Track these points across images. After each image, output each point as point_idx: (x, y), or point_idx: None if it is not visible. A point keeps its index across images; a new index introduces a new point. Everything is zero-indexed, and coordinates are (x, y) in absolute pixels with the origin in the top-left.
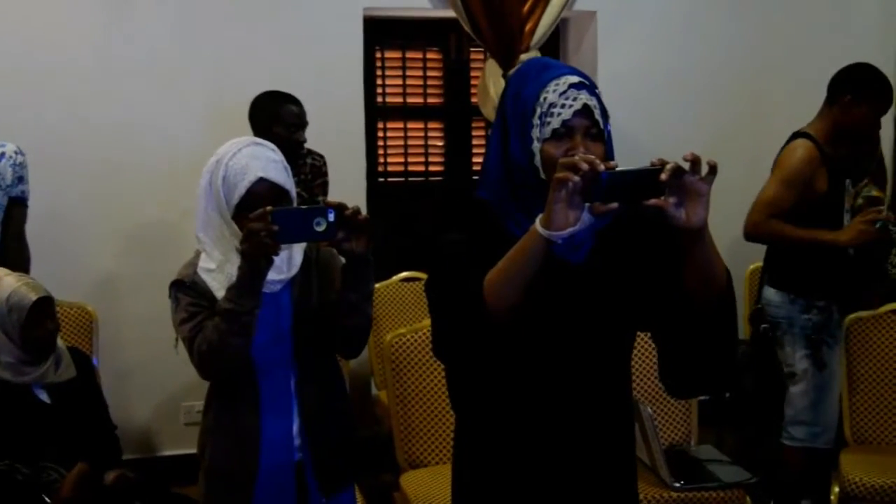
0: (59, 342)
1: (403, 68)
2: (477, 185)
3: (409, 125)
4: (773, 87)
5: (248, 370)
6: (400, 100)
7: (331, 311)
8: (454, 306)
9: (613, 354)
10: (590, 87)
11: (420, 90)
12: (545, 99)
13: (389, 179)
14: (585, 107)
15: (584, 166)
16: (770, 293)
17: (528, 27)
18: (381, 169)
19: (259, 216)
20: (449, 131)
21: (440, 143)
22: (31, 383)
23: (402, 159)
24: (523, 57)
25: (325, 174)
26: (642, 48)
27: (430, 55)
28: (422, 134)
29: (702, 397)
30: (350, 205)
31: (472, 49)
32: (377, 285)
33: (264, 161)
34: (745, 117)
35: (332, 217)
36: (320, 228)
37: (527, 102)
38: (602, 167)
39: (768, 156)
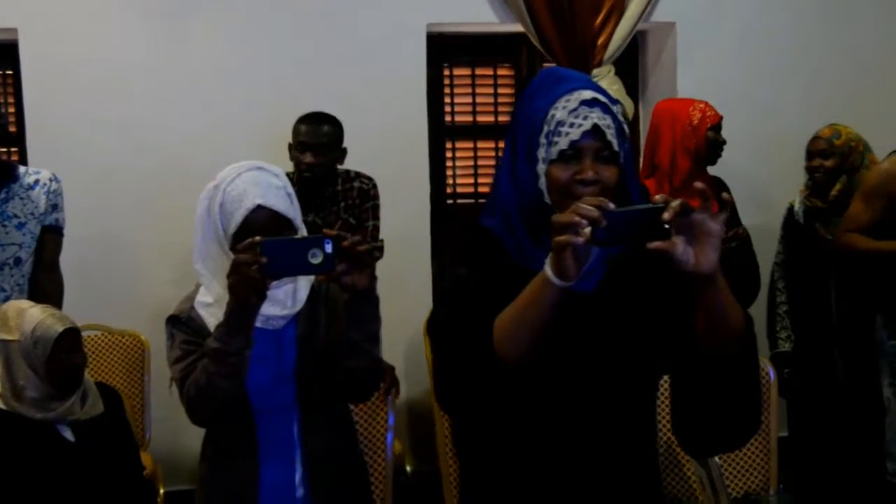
0: (87, 377)
1: (473, 85)
2: (482, 211)
3: (479, 144)
4: (865, 103)
5: (245, 414)
6: (469, 118)
7: (334, 350)
8: (461, 352)
9: (633, 396)
10: (605, 104)
11: (491, 108)
12: (553, 116)
13: (458, 201)
14: (596, 127)
15: (584, 223)
16: (878, 318)
17: (600, 40)
18: (449, 190)
19: (246, 247)
20: None
21: None
22: (55, 420)
23: (471, 180)
24: (596, 72)
25: (375, 197)
26: (724, 61)
27: (500, 71)
28: (492, 153)
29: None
30: (412, 227)
31: (544, 64)
32: None
33: (264, 187)
34: None
35: (329, 248)
36: (316, 260)
37: (535, 119)
38: (602, 219)
39: None
